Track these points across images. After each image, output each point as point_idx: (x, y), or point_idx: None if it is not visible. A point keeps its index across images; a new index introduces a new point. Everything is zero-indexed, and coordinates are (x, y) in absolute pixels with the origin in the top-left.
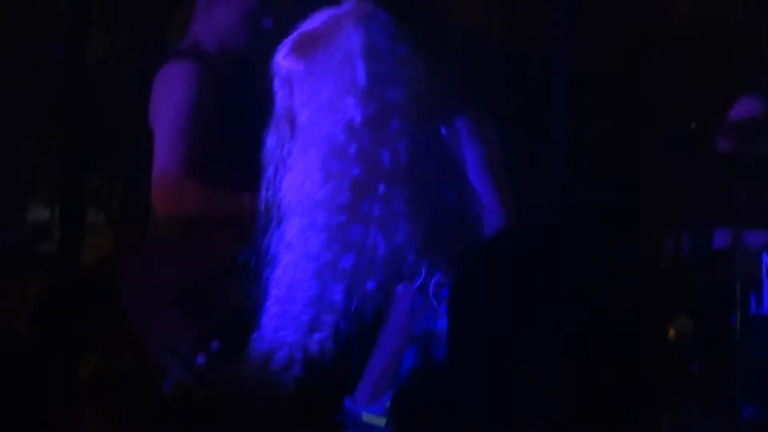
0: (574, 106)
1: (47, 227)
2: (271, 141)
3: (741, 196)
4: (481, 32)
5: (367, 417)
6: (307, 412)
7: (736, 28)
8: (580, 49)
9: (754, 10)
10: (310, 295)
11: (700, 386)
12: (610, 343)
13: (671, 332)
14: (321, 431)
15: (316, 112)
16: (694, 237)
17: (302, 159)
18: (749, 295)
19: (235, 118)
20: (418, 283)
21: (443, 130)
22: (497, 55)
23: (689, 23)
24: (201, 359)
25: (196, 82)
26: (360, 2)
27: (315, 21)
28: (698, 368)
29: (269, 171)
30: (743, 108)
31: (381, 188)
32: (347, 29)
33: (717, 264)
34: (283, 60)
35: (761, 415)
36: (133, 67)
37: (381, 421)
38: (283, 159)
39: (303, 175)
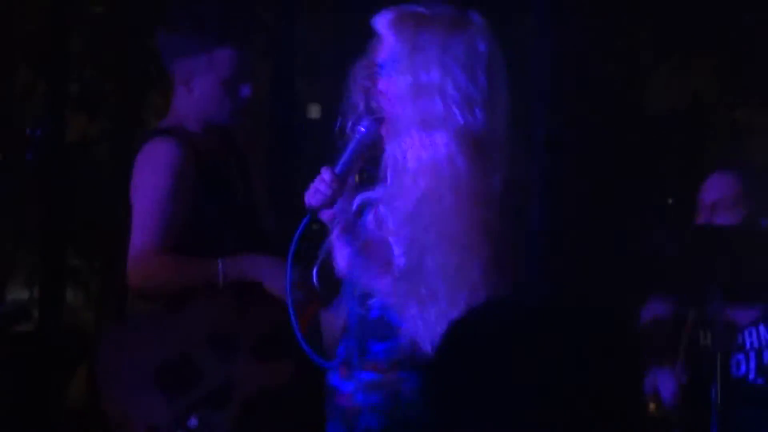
0: (550, 183)
1: (26, 306)
2: None
3: (721, 271)
4: None
5: None
6: None
7: (709, 107)
8: (556, 127)
9: (727, 91)
10: None
11: None
12: (590, 416)
13: (651, 405)
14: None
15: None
16: (675, 310)
17: None
18: (730, 369)
19: (218, 191)
20: None
21: None
22: None
23: (665, 102)
24: None
25: (176, 159)
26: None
27: None
28: None
29: None
30: (714, 184)
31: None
32: None
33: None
34: None
35: None
36: (113, 148)
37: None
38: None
39: None
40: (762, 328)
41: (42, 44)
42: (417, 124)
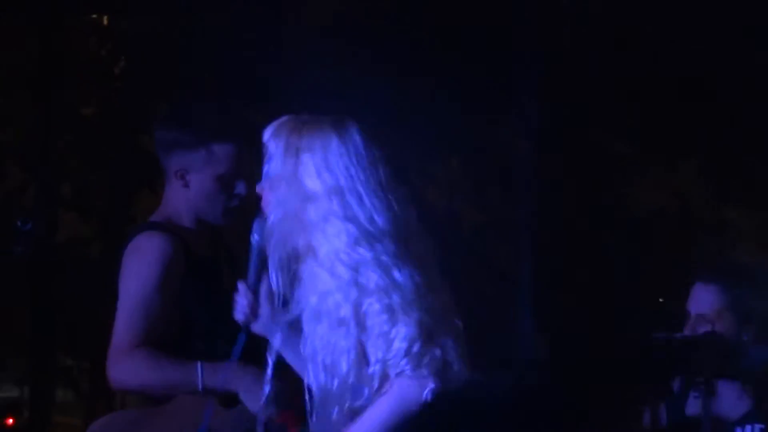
0: (540, 286)
1: (17, 405)
2: None
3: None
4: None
5: None
6: None
7: (697, 216)
8: (547, 230)
9: (714, 201)
10: None
11: None
12: None
13: None
14: None
15: None
16: (669, 405)
17: None
18: None
19: (206, 288)
20: None
21: None
22: (465, 236)
23: (654, 212)
24: None
25: (165, 254)
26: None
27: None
28: None
29: None
30: (696, 297)
31: None
32: None
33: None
34: None
35: None
36: (104, 247)
37: None
38: None
39: None
40: (756, 426)
41: (32, 146)
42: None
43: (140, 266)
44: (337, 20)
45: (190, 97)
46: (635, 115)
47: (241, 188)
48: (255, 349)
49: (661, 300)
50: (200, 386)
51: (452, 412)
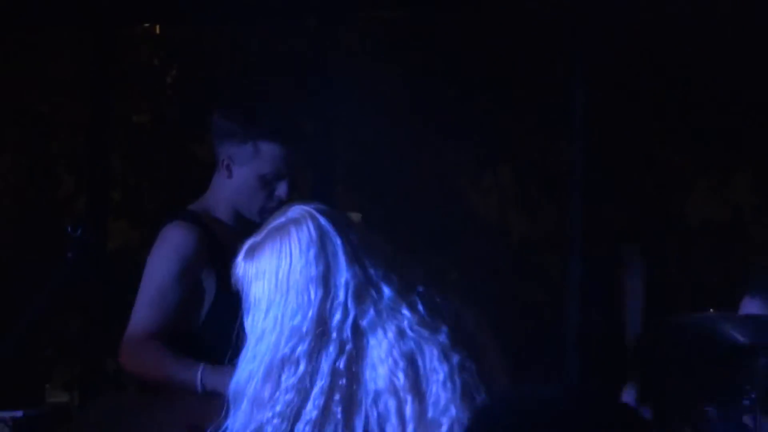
0: (588, 293)
1: (66, 409)
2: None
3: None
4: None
5: None
6: None
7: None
8: (595, 245)
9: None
10: None
11: None
12: None
13: None
14: None
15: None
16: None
17: None
18: None
19: (227, 282)
20: None
21: None
22: (514, 247)
23: (702, 225)
24: None
25: (187, 248)
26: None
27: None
28: None
29: None
30: (745, 309)
31: None
32: None
33: None
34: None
35: None
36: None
37: None
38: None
39: None
40: None
41: (84, 154)
42: None
43: (161, 258)
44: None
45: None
46: (689, 127)
47: (281, 190)
48: None
49: (711, 311)
50: (199, 388)
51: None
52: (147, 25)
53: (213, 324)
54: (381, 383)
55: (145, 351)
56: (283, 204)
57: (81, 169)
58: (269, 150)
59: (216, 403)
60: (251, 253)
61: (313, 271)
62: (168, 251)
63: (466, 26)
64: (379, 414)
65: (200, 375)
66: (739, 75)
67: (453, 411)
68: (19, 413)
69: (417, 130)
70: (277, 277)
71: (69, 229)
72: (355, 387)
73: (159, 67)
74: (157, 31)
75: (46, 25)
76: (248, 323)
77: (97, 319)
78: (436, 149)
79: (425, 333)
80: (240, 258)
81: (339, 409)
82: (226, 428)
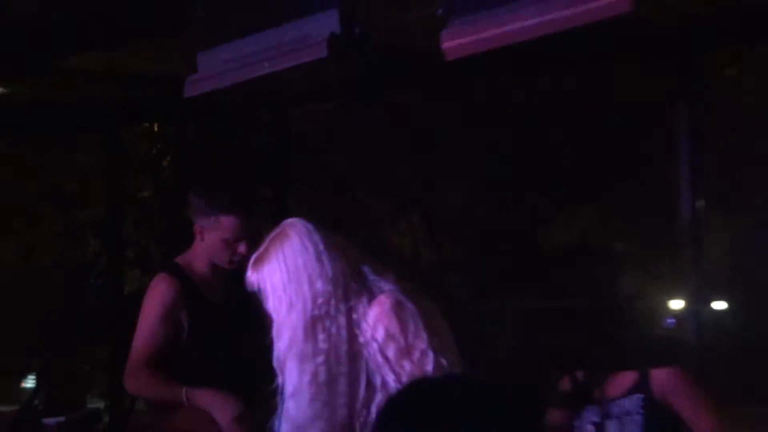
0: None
1: (98, 413)
2: None
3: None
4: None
5: None
6: None
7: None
8: (482, 265)
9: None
10: None
11: None
12: None
13: None
14: None
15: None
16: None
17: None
18: None
19: (206, 319)
20: None
21: None
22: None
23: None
24: None
25: (168, 295)
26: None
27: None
28: None
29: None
30: None
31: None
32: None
33: None
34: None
35: None
36: None
37: None
38: None
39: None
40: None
41: (104, 222)
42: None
43: (148, 303)
44: None
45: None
46: (547, 173)
47: (241, 248)
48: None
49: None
50: (186, 402)
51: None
52: (146, 125)
53: (192, 347)
54: (369, 335)
55: (141, 378)
56: (244, 258)
57: (103, 233)
58: (227, 221)
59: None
60: (258, 261)
61: (312, 251)
62: (152, 299)
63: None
64: (370, 355)
65: (184, 397)
66: (584, 138)
67: (431, 355)
68: (62, 419)
69: (353, 193)
70: (287, 264)
71: (92, 280)
72: (356, 336)
73: (157, 155)
74: (155, 129)
75: (71, 129)
76: (271, 307)
77: (120, 344)
78: (366, 207)
79: (402, 297)
80: (249, 266)
81: (344, 351)
82: (283, 385)
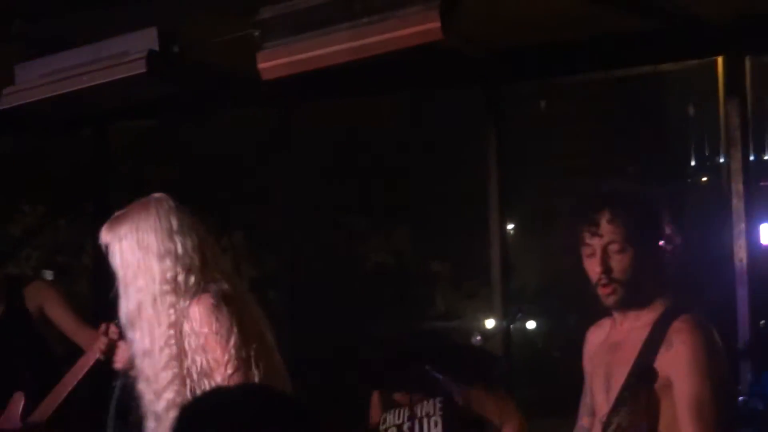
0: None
1: None
2: None
3: None
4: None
5: None
6: None
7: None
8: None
9: (419, 250)
10: None
11: None
12: None
13: None
14: None
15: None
16: None
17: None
18: None
19: None
20: None
21: None
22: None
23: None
24: None
25: None
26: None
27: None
28: None
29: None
30: None
31: None
32: None
33: None
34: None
35: None
36: None
37: None
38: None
39: None
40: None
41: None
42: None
43: None
44: None
45: None
46: (365, 198)
47: None
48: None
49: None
50: None
51: None
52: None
53: None
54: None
55: None
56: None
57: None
58: None
59: None
60: (115, 222)
61: (166, 228)
62: None
63: None
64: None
65: None
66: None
67: (233, 341)
68: None
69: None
70: (138, 237)
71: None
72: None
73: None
74: None
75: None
76: (118, 267)
77: None
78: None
79: (221, 300)
80: (106, 224)
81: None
82: (135, 343)
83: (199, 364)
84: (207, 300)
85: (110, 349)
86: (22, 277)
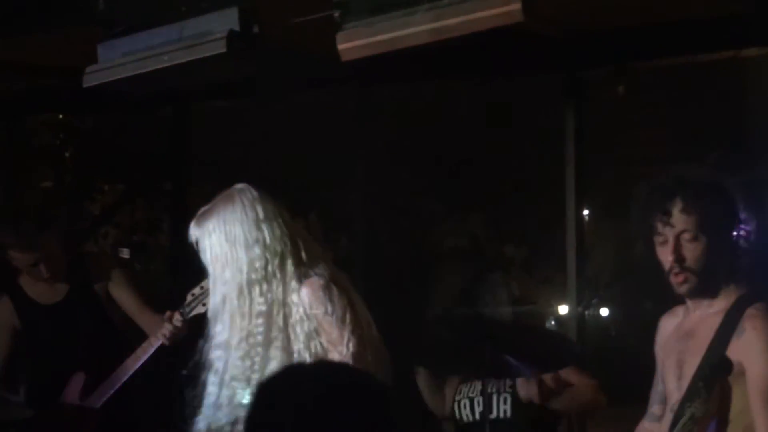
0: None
1: None
2: None
3: None
4: None
5: None
6: None
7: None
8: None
9: (495, 234)
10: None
11: None
12: None
13: None
14: None
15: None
16: None
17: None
18: None
19: (34, 330)
20: None
21: None
22: None
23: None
24: None
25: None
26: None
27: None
28: None
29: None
30: None
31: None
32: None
33: None
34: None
35: None
36: None
37: None
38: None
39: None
40: None
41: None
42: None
43: None
44: None
45: None
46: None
47: (42, 270)
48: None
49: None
50: None
51: None
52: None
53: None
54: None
55: None
56: (54, 274)
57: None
58: (11, 255)
59: None
60: (202, 217)
61: (252, 218)
62: None
63: None
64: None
65: None
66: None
67: (348, 319)
68: None
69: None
70: (225, 229)
71: None
72: (289, 304)
73: (59, 146)
74: (60, 117)
75: None
76: (208, 262)
77: None
78: None
79: (331, 281)
80: (194, 219)
81: (281, 316)
82: (215, 337)
83: (313, 349)
84: (317, 282)
85: (174, 337)
86: (89, 254)
